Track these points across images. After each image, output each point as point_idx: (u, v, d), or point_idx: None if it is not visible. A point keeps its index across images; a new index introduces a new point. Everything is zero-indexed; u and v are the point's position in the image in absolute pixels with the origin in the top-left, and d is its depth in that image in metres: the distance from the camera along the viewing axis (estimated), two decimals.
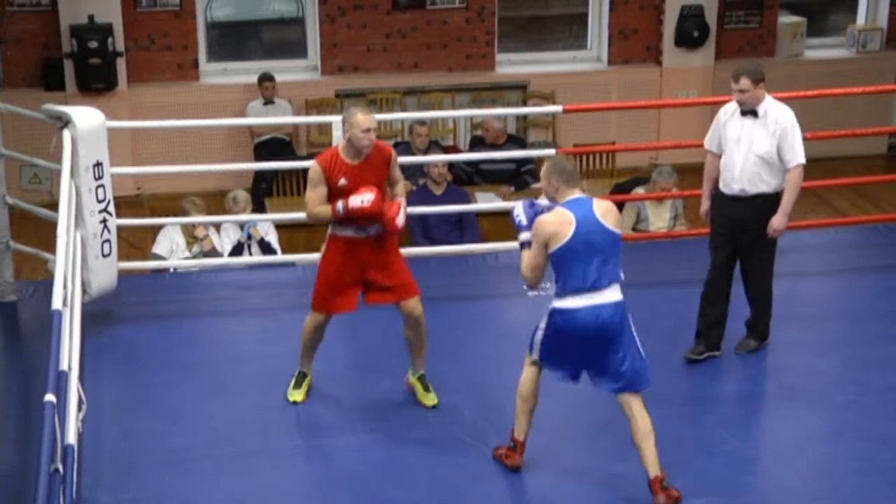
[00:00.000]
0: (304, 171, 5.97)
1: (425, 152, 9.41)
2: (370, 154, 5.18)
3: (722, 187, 5.94)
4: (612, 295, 4.70)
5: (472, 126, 10.80)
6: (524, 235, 4.81)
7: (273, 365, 5.78)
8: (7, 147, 6.62)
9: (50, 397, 3.84)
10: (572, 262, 4.65)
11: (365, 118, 5.13)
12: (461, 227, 8.33)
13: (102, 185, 6.19)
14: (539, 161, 10.53)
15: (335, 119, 6.90)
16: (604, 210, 4.73)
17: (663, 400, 5.23)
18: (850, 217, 9.44)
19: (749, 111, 5.76)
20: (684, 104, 10.09)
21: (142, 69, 10.69)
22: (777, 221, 5.77)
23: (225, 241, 7.77)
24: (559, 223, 4.65)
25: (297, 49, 11.29)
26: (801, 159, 5.70)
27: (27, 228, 7.80)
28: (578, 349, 4.72)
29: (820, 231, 7.70)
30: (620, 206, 8.23)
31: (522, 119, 11.37)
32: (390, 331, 5.70)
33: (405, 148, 9.65)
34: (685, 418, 5.42)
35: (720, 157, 5.97)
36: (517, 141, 9.98)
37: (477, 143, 9.88)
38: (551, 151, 8.79)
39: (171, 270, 7.41)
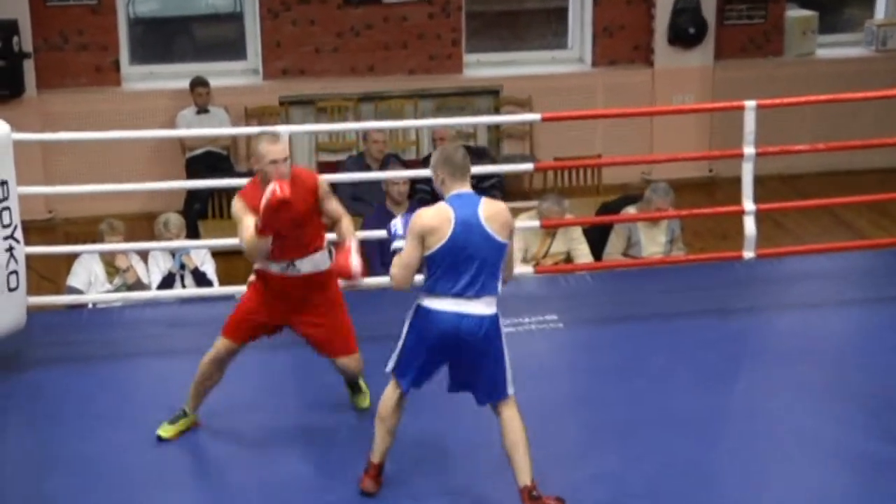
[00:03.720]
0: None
1: (382, 165, 9.43)
2: (291, 183, 5.25)
3: None
4: (482, 307, 4.88)
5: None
6: (398, 243, 5.01)
7: (207, 414, 5.76)
8: None
9: None
10: (445, 265, 4.84)
11: (272, 148, 5.27)
12: None
13: (8, 208, 6.16)
14: (509, 178, 10.60)
15: (280, 130, 6.90)
16: (491, 212, 4.88)
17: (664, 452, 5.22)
18: (870, 239, 9.52)
19: None
20: (680, 111, 10.15)
21: (53, 72, 10.67)
22: None
23: (153, 270, 7.75)
24: (438, 218, 4.84)
25: (234, 49, 11.30)
26: None
27: None
28: (434, 353, 4.94)
29: (836, 255, 7.76)
30: (608, 228, 8.31)
31: (495, 129, 11.42)
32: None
33: (359, 161, 9.67)
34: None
35: None
36: (477, 154, 9.99)
37: (429, 160, 9.90)
38: (528, 166, 8.86)
39: (90, 306, 7.37)
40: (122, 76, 10.94)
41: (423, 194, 9.13)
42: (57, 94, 10.66)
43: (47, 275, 8.81)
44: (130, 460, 5.52)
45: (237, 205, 5.39)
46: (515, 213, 8.61)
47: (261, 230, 5.20)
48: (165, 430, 5.60)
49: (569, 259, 8.17)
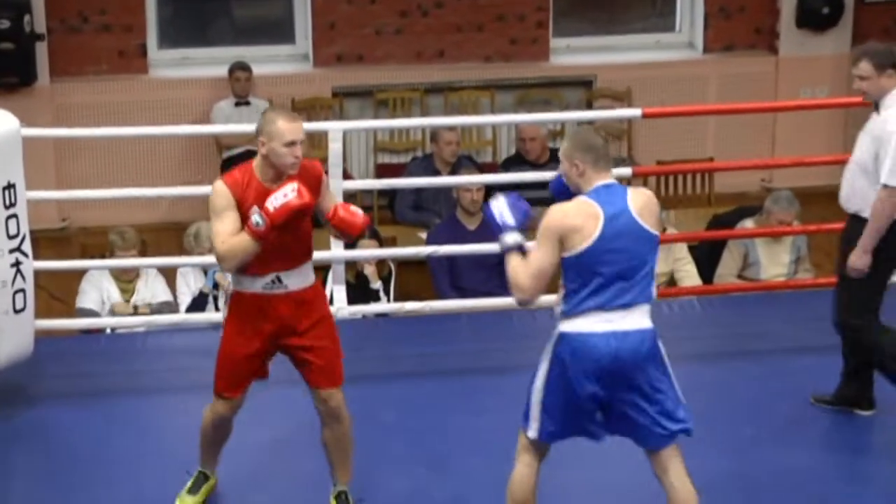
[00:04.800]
0: None
1: (453, 169, 9.44)
2: (295, 175, 5.13)
3: None
4: (640, 320, 4.77)
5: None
6: (510, 237, 4.86)
7: (243, 458, 5.79)
8: None
9: None
10: (592, 272, 4.70)
11: (289, 126, 5.08)
12: (502, 274, 8.32)
13: (15, 216, 6.23)
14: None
15: (333, 127, 6.95)
16: (642, 203, 4.80)
17: None
18: None
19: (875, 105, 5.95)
20: (809, 106, 10.09)
21: (70, 58, 10.79)
22: (851, 259, 5.91)
23: (182, 290, 7.81)
24: (583, 215, 4.71)
25: (280, 31, 11.37)
26: (889, 180, 5.78)
27: None
28: (591, 391, 4.73)
29: None
30: (720, 245, 8.26)
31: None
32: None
33: (425, 164, 9.68)
34: None
35: None
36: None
37: (514, 162, 9.90)
38: (625, 171, 8.82)
39: (108, 331, 7.45)
40: (150, 62, 11.04)
41: None
42: (73, 83, 10.77)
43: (59, 294, 8.91)
44: None
45: (220, 194, 5.13)
46: None
47: (262, 234, 4.97)
48: (186, 501, 5.53)
49: (672, 282, 8.14)
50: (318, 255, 5.47)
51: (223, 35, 11.51)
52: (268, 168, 5.12)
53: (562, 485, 5.33)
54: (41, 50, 10.55)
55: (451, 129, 9.42)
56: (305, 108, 10.93)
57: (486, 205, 4.99)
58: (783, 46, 11.42)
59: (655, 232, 4.80)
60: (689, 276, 8.11)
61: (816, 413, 6.13)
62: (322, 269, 7.10)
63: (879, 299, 6.02)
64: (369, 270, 7.82)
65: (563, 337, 4.76)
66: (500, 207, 4.90)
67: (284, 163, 5.07)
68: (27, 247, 6.32)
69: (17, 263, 6.27)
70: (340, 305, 7.20)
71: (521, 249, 4.84)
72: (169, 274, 7.98)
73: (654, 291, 4.83)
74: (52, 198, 9.13)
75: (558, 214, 4.73)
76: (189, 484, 5.57)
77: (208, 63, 11.08)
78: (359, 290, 7.70)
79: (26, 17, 10.36)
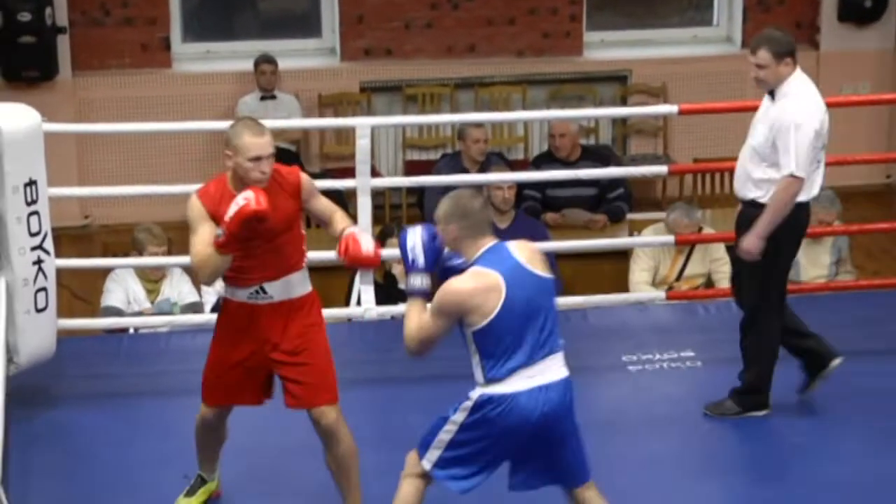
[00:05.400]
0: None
1: (483, 167, 9.44)
2: (269, 186, 5.11)
3: None
4: (558, 369, 4.80)
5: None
6: (417, 280, 4.86)
7: (268, 463, 5.82)
8: None
9: None
10: (503, 337, 4.72)
11: (254, 142, 5.05)
12: None
13: (36, 213, 6.25)
14: (633, 183, 10.53)
15: (360, 123, 6.96)
16: (528, 253, 4.82)
17: None
18: None
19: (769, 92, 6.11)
20: (851, 103, 10.05)
21: (92, 51, 10.83)
22: (745, 241, 6.01)
23: (207, 289, 7.82)
24: (483, 290, 4.69)
25: (307, 25, 11.39)
26: (795, 170, 5.89)
27: None
28: (510, 444, 4.80)
29: None
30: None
31: (621, 123, 11.38)
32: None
33: (453, 162, 9.68)
34: None
35: None
36: (595, 156, 9.94)
37: (544, 159, 9.89)
38: (661, 169, 8.81)
39: (132, 331, 7.47)
40: (173, 56, 11.08)
41: (532, 202, 9.14)
42: (95, 77, 10.82)
43: (81, 293, 8.94)
44: None
45: (193, 208, 5.14)
46: (644, 225, 8.69)
47: (222, 244, 4.99)
48: None
49: (709, 283, 8.12)
50: None
51: (248, 28, 11.54)
52: (238, 180, 5.11)
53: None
54: (63, 43, 10.59)
55: (479, 126, 9.39)
56: (332, 104, 10.96)
57: (402, 232, 4.95)
58: (824, 41, 11.39)
59: (549, 276, 4.84)
60: (727, 277, 8.08)
61: (861, 418, 6.09)
62: (350, 269, 7.11)
63: (782, 283, 6.15)
64: (398, 270, 7.82)
65: (490, 399, 4.76)
66: (415, 243, 4.88)
67: (250, 178, 5.05)
68: (49, 244, 6.33)
69: (38, 261, 6.29)
70: (368, 306, 7.21)
71: (424, 296, 4.85)
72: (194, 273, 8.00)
73: (560, 338, 4.85)
74: (75, 195, 9.16)
75: (455, 297, 4.72)
76: (187, 488, 5.62)
77: (233, 57, 11.12)
78: (387, 291, 7.70)
79: (48, 10, 10.41)
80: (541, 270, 4.79)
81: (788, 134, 5.90)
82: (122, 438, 6.14)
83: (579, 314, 7.35)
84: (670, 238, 7.67)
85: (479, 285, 4.70)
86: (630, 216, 9.25)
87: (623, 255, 8.51)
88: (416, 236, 4.87)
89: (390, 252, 7.64)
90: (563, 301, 7.57)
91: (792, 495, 5.62)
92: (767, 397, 6.18)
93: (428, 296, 4.85)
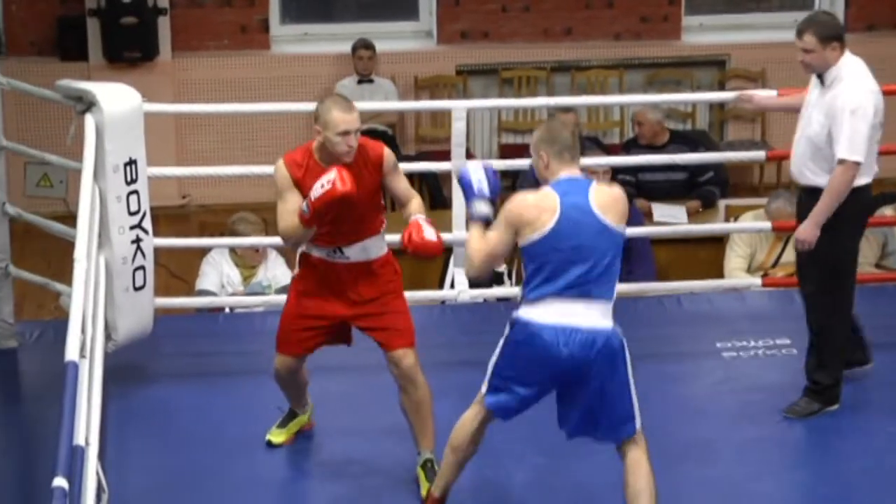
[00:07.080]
0: (412, 176, 6.01)
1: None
2: (354, 160, 5.28)
3: None
4: (594, 318, 4.80)
5: None
6: (479, 207, 4.97)
7: (363, 444, 5.84)
8: (8, 138, 6.79)
9: (60, 482, 3.91)
10: (546, 260, 4.79)
11: (342, 117, 5.25)
12: (628, 259, 8.29)
13: (136, 192, 6.31)
14: (725, 169, 10.47)
15: (456, 105, 6.95)
16: (604, 200, 4.84)
17: None
18: None
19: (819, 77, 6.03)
20: None
21: (191, 33, 10.92)
22: (801, 230, 5.94)
23: None
24: (539, 209, 4.79)
25: (404, 7, 11.41)
26: (851, 155, 5.80)
27: (33, 248, 8.01)
28: (543, 376, 4.87)
29: None
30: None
31: (718, 109, 11.31)
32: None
33: None
34: None
35: None
36: (685, 140, 9.88)
37: (634, 144, 9.86)
38: (758, 155, 8.74)
39: (227, 310, 7.53)
40: (272, 38, 11.14)
41: (627, 186, 9.09)
42: (195, 58, 10.91)
43: (178, 272, 9.02)
44: (270, 493, 5.64)
45: (280, 172, 5.35)
46: (741, 210, 8.62)
47: (307, 220, 5.19)
48: (276, 435, 5.86)
49: None
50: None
51: (346, 11, 11.59)
52: (325, 152, 5.29)
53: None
54: (163, 24, 10.69)
55: (568, 111, 9.36)
56: (429, 86, 10.97)
57: (463, 168, 5.09)
58: None
59: (618, 228, 4.84)
60: None
61: None
62: (445, 251, 7.11)
63: (851, 270, 6.07)
64: None
65: (517, 322, 4.87)
66: (479, 174, 5.01)
67: (338, 151, 5.24)
68: (147, 224, 6.39)
69: (137, 240, 6.35)
70: (462, 289, 7.21)
71: (487, 222, 4.95)
72: (288, 253, 8.03)
73: (615, 292, 4.86)
74: (173, 174, 9.19)
75: (516, 207, 4.84)
76: (279, 419, 5.87)
77: (331, 39, 11.16)
78: None
79: None
80: (609, 218, 4.82)
81: (843, 119, 5.82)
82: (218, 417, 6.19)
83: (674, 300, 7.32)
84: (767, 224, 7.60)
85: (539, 202, 4.81)
86: (727, 202, 9.19)
87: (718, 241, 8.46)
88: (479, 168, 5.03)
89: None
90: (658, 286, 7.57)
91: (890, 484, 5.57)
92: (840, 392, 6.10)
93: (489, 223, 4.96)
